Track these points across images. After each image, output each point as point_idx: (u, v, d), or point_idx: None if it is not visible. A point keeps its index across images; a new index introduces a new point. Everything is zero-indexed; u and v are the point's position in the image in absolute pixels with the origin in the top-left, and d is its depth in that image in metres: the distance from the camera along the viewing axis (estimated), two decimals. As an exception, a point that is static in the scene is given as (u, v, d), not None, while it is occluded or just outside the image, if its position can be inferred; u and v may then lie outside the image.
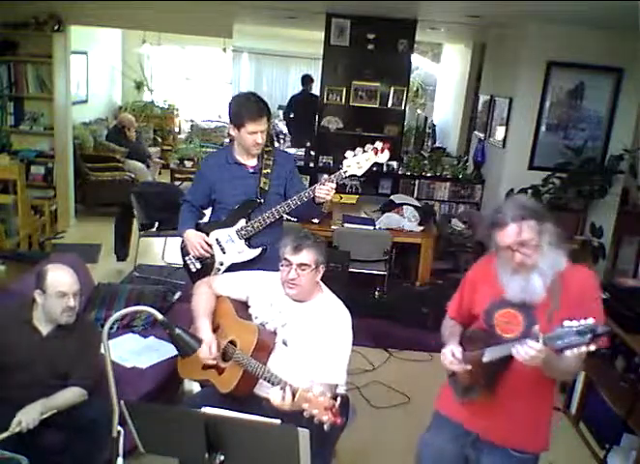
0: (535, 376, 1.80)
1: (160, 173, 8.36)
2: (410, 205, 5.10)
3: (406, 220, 4.88)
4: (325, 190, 2.62)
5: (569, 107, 5.16)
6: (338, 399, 1.80)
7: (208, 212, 3.06)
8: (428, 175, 6.21)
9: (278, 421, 1.50)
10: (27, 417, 2.17)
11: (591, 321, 1.53)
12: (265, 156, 2.85)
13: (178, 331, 1.79)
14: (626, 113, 5.13)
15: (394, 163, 6.10)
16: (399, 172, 6.19)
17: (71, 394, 2.34)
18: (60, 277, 2.36)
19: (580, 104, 5.14)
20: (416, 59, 7.73)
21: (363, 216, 5.11)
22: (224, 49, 9.49)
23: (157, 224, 5.02)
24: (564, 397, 3.54)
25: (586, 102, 5.13)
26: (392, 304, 4.64)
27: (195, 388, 3.06)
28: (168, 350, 2.94)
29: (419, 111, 9.25)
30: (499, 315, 1.91)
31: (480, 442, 1.98)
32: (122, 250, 5.24)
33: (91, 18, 5.79)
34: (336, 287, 2.47)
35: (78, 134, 6.78)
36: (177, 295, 3.69)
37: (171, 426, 1.62)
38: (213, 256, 2.87)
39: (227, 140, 7.74)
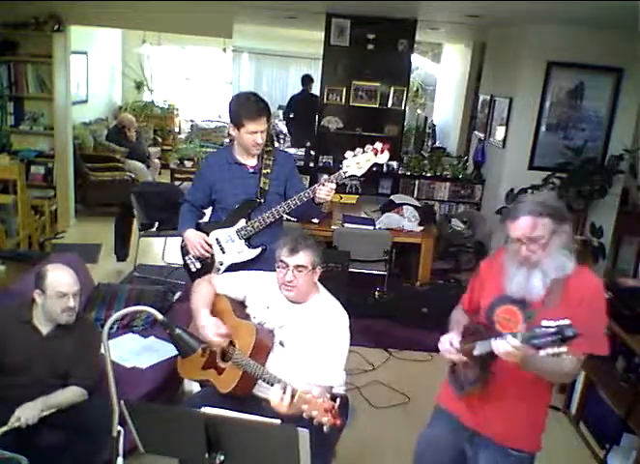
0: (529, 375, 1.80)
1: (160, 173, 8.37)
2: (410, 205, 5.09)
3: (406, 220, 4.87)
4: (325, 191, 2.63)
5: (569, 107, 5.16)
6: (338, 400, 1.79)
7: (208, 211, 3.06)
8: (428, 175, 6.21)
9: (278, 421, 1.51)
10: (26, 412, 2.17)
11: (565, 322, 1.53)
12: (265, 156, 2.85)
13: (178, 331, 1.79)
14: (626, 113, 5.13)
15: (394, 163, 6.10)
16: (399, 172, 6.18)
17: (71, 394, 2.34)
18: (60, 278, 2.36)
19: (580, 104, 5.14)
20: (416, 59, 7.73)
21: (363, 216, 5.11)
22: (224, 49, 9.49)
23: (157, 224, 5.02)
24: (564, 397, 3.54)
25: (586, 102, 5.13)
26: (392, 304, 4.64)
27: (195, 388, 3.05)
28: (168, 350, 2.94)
29: (419, 111, 9.25)
30: (500, 311, 1.91)
31: (476, 437, 1.99)
32: (122, 250, 5.24)
33: (91, 18, 5.79)
34: (336, 287, 2.47)
35: (78, 134, 6.79)
36: (177, 295, 3.70)
37: (171, 426, 1.62)
38: (213, 256, 2.87)
39: (227, 140, 7.74)
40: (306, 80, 8.59)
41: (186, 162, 7.72)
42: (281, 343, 2.28)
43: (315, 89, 7.79)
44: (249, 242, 2.82)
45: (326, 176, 2.72)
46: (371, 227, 4.80)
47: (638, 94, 5.02)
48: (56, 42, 5.58)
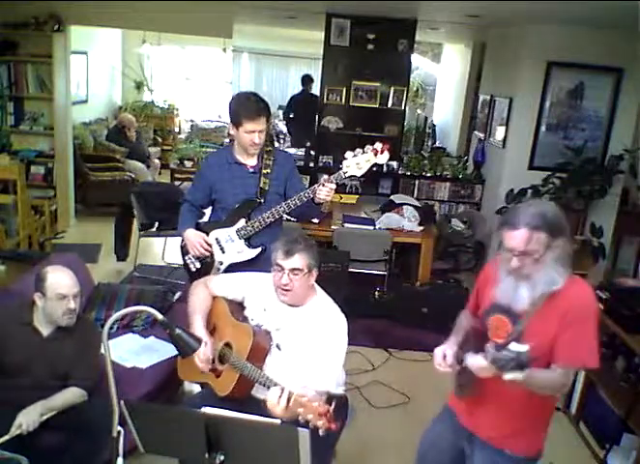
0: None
1: (160, 173, 8.36)
2: (410, 205, 5.10)
3: (406, 220, 4.88)
4: (325, 191, 2.63)
5: (569, 107, 5.16)
6: (333, 404, 1.78)
7: (208, 211, 3.06)
8: (428, 175, 6.21)
9: (278, 421, 1.50)
10: (27, 418, 2.17)
11: (523, 349, 1.55)
12: (265, 156, 2.85)
13: (178, 331, 1.79)
14: (626, 113, 5.13)
15: (394, 163, 6.09)
16: (399, 172, 6.18)
17: (70, 395, 2.34)
18: (59, 280, 2.35)
19: (580, 104, 5.14)
20: (416, 59, 7.73)
21: (364, 216, 5.11)
22: (224, 49, 9.49)
23: (157, 224, 5.02)
24: (564, 397, 3.54)
25: (586, 102, 5.13)
26: (392, 304, 4.64)
27: (195, 388, 3.06)
28: (168, 350, 2.94)
29: (419, 111, 9.25)
30: (491, 319, 1.93)
31: (473, 437, 2.00)
32: (122, 250, 5.24)
33: (91, 18, 5.79)
34: (336, 287, 2.47)
35: (78, 134, 6.79)
36: (177, 295, 3.70)
37: (171, 426, 1.62)
38: (212, 256, 2.87)
39: (227, 140, 7.74)
40: (306, 80, 8.59)
41: (186, 162, 7.72)
42: (278, 346, 2.26)
43: (315, 89, 7.79)
44: (249, 241, 2.82)
45: (326, 176, 2.72)
46: (371, 227, 4.80)
47: (638, 94, 5.02)
48: (56, 42, 5.58)
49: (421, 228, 4.90)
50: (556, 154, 5.18)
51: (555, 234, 1.75)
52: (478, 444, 1.99)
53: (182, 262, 3.02)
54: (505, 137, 5.44)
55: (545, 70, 5.06)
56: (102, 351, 1.67)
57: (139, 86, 9.56)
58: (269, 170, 2.84)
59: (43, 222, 5.38)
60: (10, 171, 4.94)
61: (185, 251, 2.95)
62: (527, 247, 1.74)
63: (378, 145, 2.59)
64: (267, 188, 2.83)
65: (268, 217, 2.75)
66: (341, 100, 6.12)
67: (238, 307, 2.41)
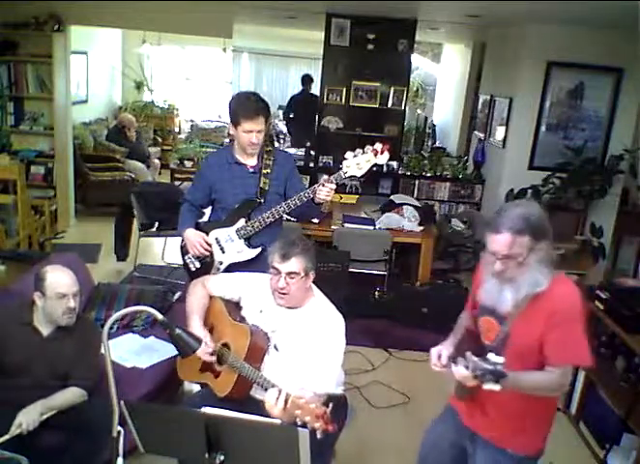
0: None
1: (160, 173, 8.36)
2: (410, 205, 5.10)
3: (406, 220, 4.88)
4: (325, 192, 2.63)
5: (569, 107, 5.16)
6: (330, 406, 1.78)
7: (208, 211, 3.06)
8: (428, 175, 6.21)
9: (278, 421, 1.50)
10: (27, 418, 2.17)
11: (498, 361, 1.57)
12: (265, 156, 2.85)
13: (178, 331, 1.80)
14: (626, 113, 5.13)
15: (394, 163, 6.10)
16: (399, 172, 6.19)
17: (70, 395, 2.34)
18: (59, 279, 2.35)
19: (580, 104, 5.15)
20: (416, 59, 7.73)
21: (364, 216, 5.11)
22: (224, 49, 9.49)
23: (157, 224, 5.02)
24: (564, 397, 3.54)
25: (586, 102, 5.13)
26: (392, 304, 4.64)
27: (195, 388, 3.05)
28: (168, 350, 2.94)
29: (419, 111, 9.25)
30: (482, 321, 1.94)
31: (476, 436, 2.01)
32: (122, 250, 5.24)
33: (91, 18, 5.79)
34: (336, 287, 2.47)
35: (78, 134, 6.79)
36: (177, 295, 3.70)
37: (171, 426, 1.62)
38: (212, 255, 2.87)
39: (227, 140, 7.74)
40: (306, 80, 8.59)
41: (186, 162, 7.72)
42: (276, 347, 2.26)
43: (315, 89, 7.79)
44: (249, 241, 2.82)
45: (326, 176, 2.72)
46: (371, 227, 4.80)
47: (638, 94, 5.02)
48: (56, 42, 5.58)
49: (421, 228, 4.90)
50: (556, 154, 5.18)
51: (538, 237, 1.75)
52: (480, 443, 1.99)
53: (182, 262, 3.02)
54: (505, 137, 5.44)
55: (545, 70, 5.07)
56: (102, 351, 1.66)
57: (139, 86, 9.56)
58: (269, 170, 2.84)
59: (43, 222, 5.38)
60: (10, 171, 4.94)
61: (184, 251, 2.96)
62: (510, 251, 1.74)
63: (378, 145, 2.59)
64: (267, 188, 2.83)
65: (268, 217, 2.75)
66: (341, 100, 6.12)
67: (235, 308, 2.40)
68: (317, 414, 1.73)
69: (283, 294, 2.21)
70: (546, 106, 5.16)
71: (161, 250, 5.44)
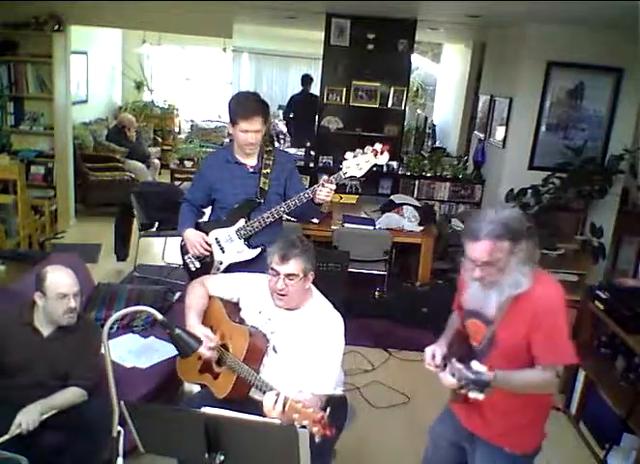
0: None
1: (160, 173, 8.37)
2: (410, 205, 5.10)
3: (406, 220, 4.88)
4: (325, 192, 2.63)
5: (569, 107, 5.16)
6: (328, 410, 1.78)
7: (208, 211, 3.06)
8: (428, 175, 6.20)
9: (278, 421, 1.50)
10: (27, 417, 2.17)
11: (481, 369, 1.60)
12: (265, 156, 2.85)
13: (178, 331, 1.79)
14: (626, 113, 5.12)
15: (394, 163, 6.09)
16: (399, 172, 6.18)
17: (70, 395, 2.34)
18: (59, 279, 2.35)
19: (580, 104, 5.14)
20: (416, 59, 7.72)
21: (363, 216, 5.11)
22: (224, 49, 9.49)
23: (157, 224, 5.02)
24: (564, 397, 3.54)
25: (586, 102, 5.13)
26: (391, 304, 4.64)
27: (195, 388, 3.05)
28: (168, 350, 2.94)
29: (419, 111, 9.25)
30: (469, 323, 1.95)
31: (474, 436, 2.02)
32: (122, 250, 5.24)
33: (91, 18, 5.79)
34: (336, 287, 2.46)
35: (78, 134, 6.79)
36: (177, 295, 3.70)
37: (171, 426, 1.62)
38: (212, 255, 2.87)
39: (227, 140, 7.74)
40: (306, 80, 8.60)
41: (186, 162, 7.72)
42: (274, 349, 2.25)
43: (315, 89, 7.79)
44: (249, 241, 2.82)
45: (326, 176, 2.72)
46: (371, 227, 4.80)
47: (638, 94, 5.02)
48: (56, 42, 5.58)
49: (421, 228, 4.91)
50: (556, 154, 5.18)
51: (517, 239, 1.74)
52: (478, 442, 2.01)
53: (182, 262, 3.03)
54: (505, 137, 5.43)
55: (545, 70, 5.06)
56: (103, 351, 1.66)
57: (139, 86, 9.56)
58: (269, 170, 2.84)
59: (43, 222, 5.38)
60: (10, 171, 4.94)
61: (184, 251, 2.96)
62: (490, 258, 1.73)
63: (378, 146, 2.59)
64: (267, 189, 2.83)
65: (268, 218, 2.75)
66: (341, 100, 6.11)
67: (234, 309, 2.40)
68: (315, 419, 1.72)
69: (282, 295, 2.21)
70: (546, 106, 5.16)
71: (161, 250, 5.44)
